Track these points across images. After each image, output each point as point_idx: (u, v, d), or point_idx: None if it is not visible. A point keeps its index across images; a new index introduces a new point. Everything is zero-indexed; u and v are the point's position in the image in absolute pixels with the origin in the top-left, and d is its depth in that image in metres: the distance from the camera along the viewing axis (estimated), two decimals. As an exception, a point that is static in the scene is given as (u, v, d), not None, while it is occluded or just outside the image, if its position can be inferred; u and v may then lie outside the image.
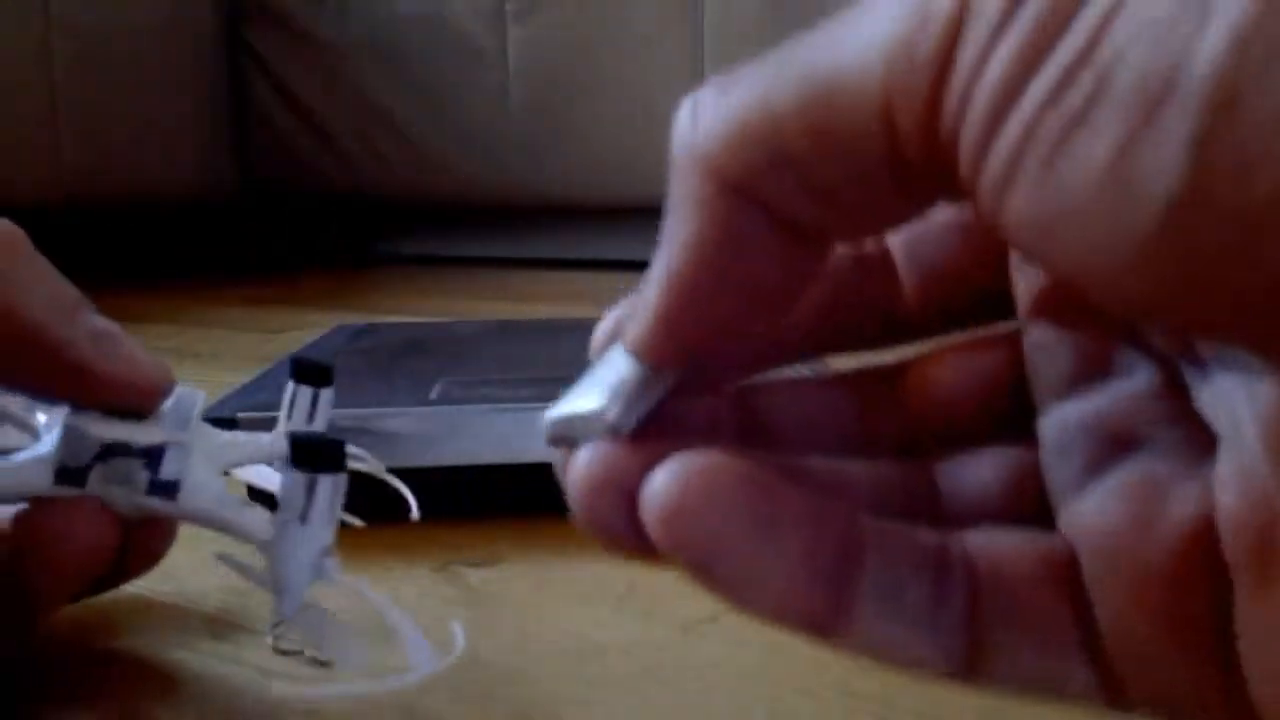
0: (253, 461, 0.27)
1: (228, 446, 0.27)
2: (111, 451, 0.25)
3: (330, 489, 0.25)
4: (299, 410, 0.29)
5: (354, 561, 0.36)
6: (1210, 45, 0.11)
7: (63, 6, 1.31)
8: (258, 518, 0.26)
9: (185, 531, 0.28)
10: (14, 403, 0.27)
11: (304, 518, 0.25)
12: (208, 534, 0.27)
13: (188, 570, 0.35)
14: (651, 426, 0.18)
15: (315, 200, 1.59)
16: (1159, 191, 0.12)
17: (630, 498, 0.16)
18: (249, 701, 0.28)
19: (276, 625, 0.32)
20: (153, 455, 0.25)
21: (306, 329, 0.87)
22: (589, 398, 0.17)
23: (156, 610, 0.33)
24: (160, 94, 1.46)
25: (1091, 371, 0.18)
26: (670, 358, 0.17)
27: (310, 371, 0.30)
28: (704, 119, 0.15)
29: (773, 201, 0.15)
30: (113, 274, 1.24)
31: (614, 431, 0.17)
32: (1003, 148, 0.13)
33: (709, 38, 1.34)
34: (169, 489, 0.25)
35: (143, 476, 0.25)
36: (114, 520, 0.25)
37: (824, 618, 0.16)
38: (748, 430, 0.19)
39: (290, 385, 0.30)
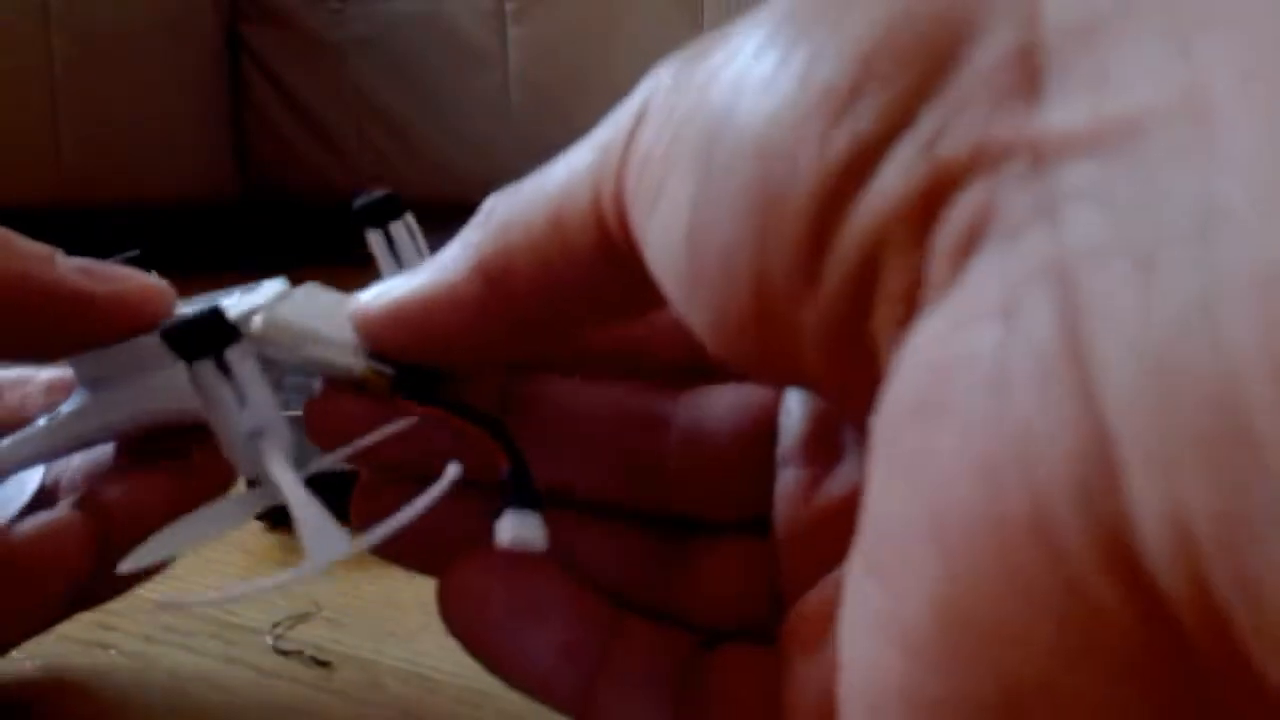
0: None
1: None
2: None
3: (232, 362, 0.21)
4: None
5: (352, 560, 0.36)
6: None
7: (63, 6, 1.31)
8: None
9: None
10: None
11: (214, 407, 0.21)
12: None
13: (188, 570, 0.35)
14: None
15: (315, 200, 1.59)
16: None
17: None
18: (248, 700, 0.28)
19: (276, 625, 0.32)
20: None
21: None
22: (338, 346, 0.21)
23: (155, 610, 0.33)
24: (160, 94, 1.46)
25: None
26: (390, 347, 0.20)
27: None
28: (494, 217, 0.18)
29: (517, 298, 0.18)
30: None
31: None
32: (655, 217, 0.15)
33: (709, 37, 1.34)
34: None
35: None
36: (90, 538, 0.24)
37: (572, 703, 0.20)
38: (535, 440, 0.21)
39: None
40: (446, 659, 0.29)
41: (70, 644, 0.31)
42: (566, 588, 0.20)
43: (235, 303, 0.23)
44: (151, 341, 0.24)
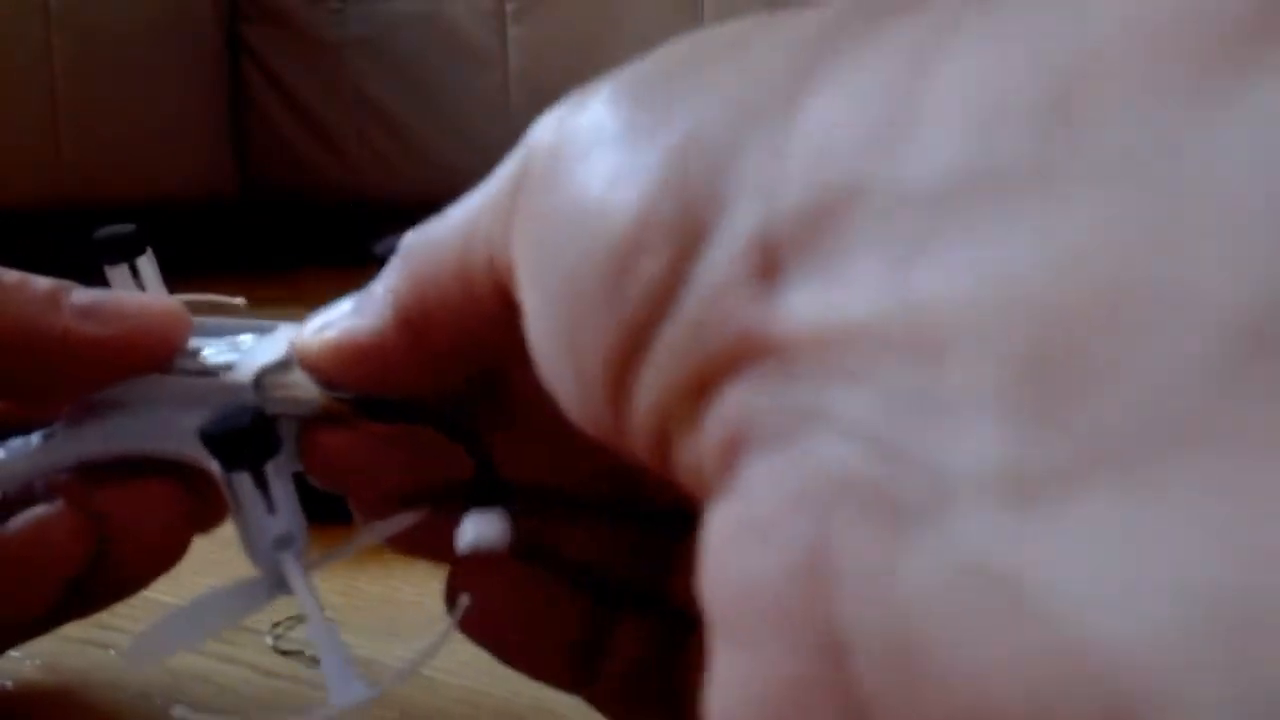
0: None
1: None
2: None
3: (269, 473, 0.21)
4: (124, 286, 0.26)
5: (353, 560, 0.36)
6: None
7: (63, 6, 1.31)
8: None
9: (197, 551, 0.28)
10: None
11: (243, 512, 0.22)
12: (205, 537, 0.26)
13: (188, 570, 0.35)
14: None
15: (315, 200, 1.59)
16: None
17: None
18: (248, 701, 0.28)
19: (276, 625, 0.32)
20: None
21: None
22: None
23: (156, 610, 0.33)
24: (160, 94, 1.46)
25: None
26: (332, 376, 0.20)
27: (112, 246, 0.25)
28: (409, 263, 0.19)
29: (439, 346, 0.18)
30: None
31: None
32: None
33: (709, 37, 1.34)
34: None
35: None
36: (82, 532, 0.24)
37: (575, 687, 0.21)
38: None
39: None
40: (446, 659, 0.29)
41: (70, 644, 0.31)
42: (562, 592, 0.21)
43: (241, 355, 0.23)
44: (160, 380, 0.23)
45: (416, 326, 0.18)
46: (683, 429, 0.12)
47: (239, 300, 0.27)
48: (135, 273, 0.26)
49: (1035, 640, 0.08)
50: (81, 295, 0.24)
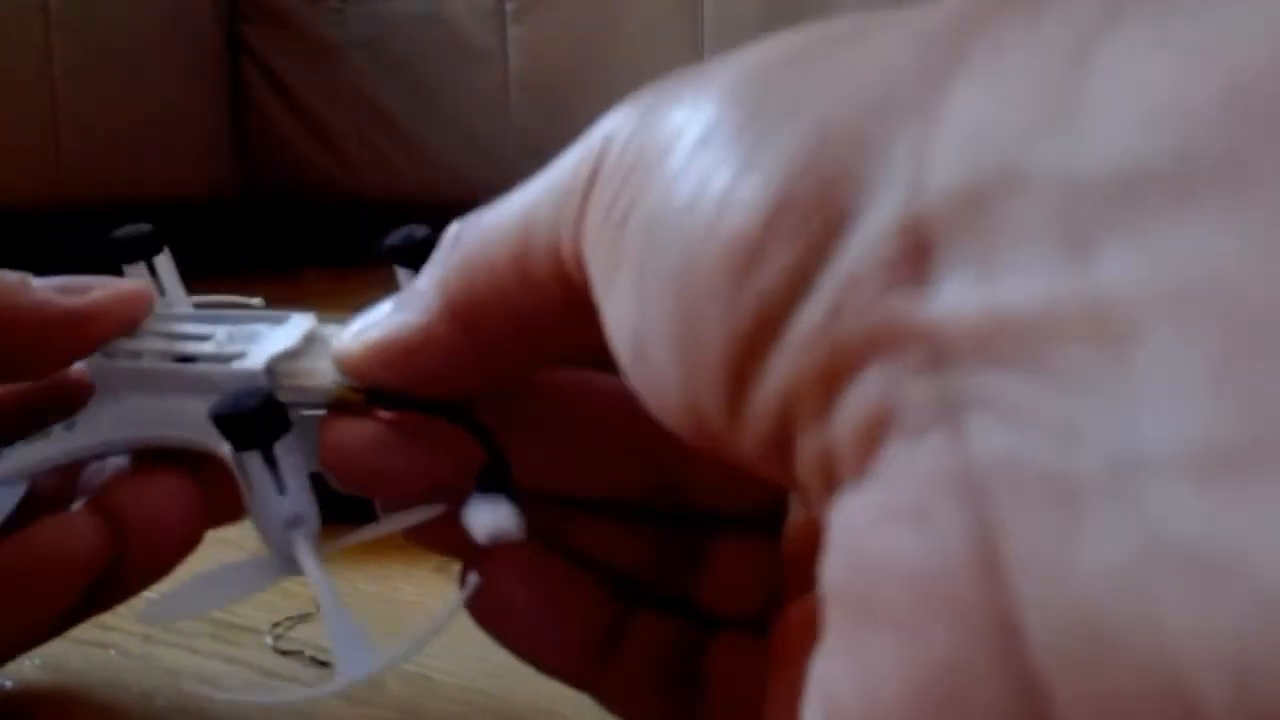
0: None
1: None
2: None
3: (278, 453, 0.22)
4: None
5: (353, 560, 0.36)
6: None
7: (63, 6, 1.31)
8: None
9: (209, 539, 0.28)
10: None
11: (254, 492, 0.22)
12: (207, 536, 0.26)
13: (188, 570, 0.35)
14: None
15: (315, 200, 1.59)
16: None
17: None
18: (249, 701, 0.28)
19: (276, 625, 0.32)
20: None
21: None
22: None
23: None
24: (160, 94, 1.46)
25: None
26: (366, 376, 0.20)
27: (131, 246, 0.26)
28: (459, 251, 0.18)
29: (489, 338, 0.18)
30: (112, 274, 1.24)
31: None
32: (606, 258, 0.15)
33: (709, 36, 1.34)
34: None
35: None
36: (101, 537, 0.24)
37: (588, 686, 0.21)
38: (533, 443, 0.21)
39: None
40: (446, 659, 0.29)
41: (70, 644, 0.31)
42: (580, 584, 0.21)
43: (253, 344, 0.23)
44: (174, 369, 0.24)
45: (467, 317, 0.18)
46: (810, 417, 0.12)
47: (257, 301, 0.27)
48: (153, 271, 0.26)
49: (1244, 612, 0.08)
50: (48, 280, 0.25)
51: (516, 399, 0.21)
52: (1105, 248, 0.09)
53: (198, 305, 0.27)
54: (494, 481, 0.20)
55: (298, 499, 0.22)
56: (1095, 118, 0.10)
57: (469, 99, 1.46)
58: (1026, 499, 0.09)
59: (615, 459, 0.21)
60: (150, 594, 0.25)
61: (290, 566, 0.22)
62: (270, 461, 0.21)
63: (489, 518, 0.19)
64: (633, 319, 0.14)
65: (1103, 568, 0.09)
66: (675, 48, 1.35)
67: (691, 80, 0.15)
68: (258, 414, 0.21)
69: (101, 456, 0.26)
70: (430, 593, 0.35)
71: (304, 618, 0.32)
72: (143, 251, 0.26)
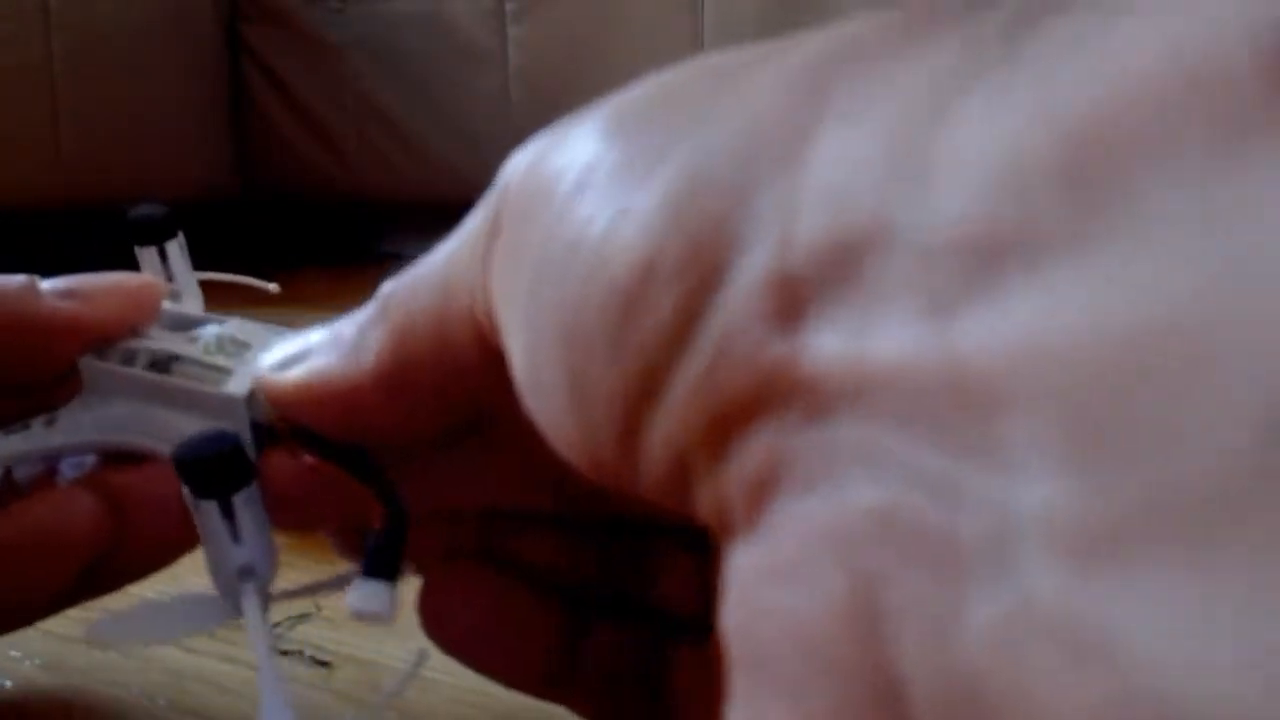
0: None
1: None
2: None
3: (236, 504, 0.21)
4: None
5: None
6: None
7: (63, 6, 1.31)
8: None
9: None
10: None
11: (208, 539, 0.22)
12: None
13: (188, 570, 0.35)
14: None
15: (315, 200, 1.59)
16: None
17: None
18: (248, 701, 0.28)
19: (276, 625, 0.32)
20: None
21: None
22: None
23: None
24: (160, 94, 1.46)
25: None
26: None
27: (146, 229, 0.26)
28: (389, 313, 0.18)
29: (417, 396, 0.19)
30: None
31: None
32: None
33: (709, 37, 1.34)
34: None
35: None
36: (100, 513, 0.24)
37: (553, 695, 0.21)
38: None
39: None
40: (446, 659, 0.29)
41: (70, 644, 0.31)
42: (529, 596, 0.21)
43: (245, 366, 0.23)
44: (160, 380, 0.24)
45: (394, 381, 0.18)
46: (702, 469, 0.12)
47: (273, 286, 0.27)
48: (164, 256, 0.26)
49: (1111, 692, 0.08)
50: (54, 282, 0.25)
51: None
52: (961, 310, 0.09)
53: (207, 284, 0.27)
54: (380, 564, 0.20)
55: (253, 550, 0.22)
56: (947, 178, 0.10)
57: (469, 99, 1.46)
58: (904, 555, 0.09)
59: (556, 474, 0.22)
60: (99, 614, 0.25)
61: (238, 611, 0.22)
62: (228, 513, 0.21)
63: (360, 600, 0.19)
64: (525, 359, 0.14)
65: (980, 632, 0.09)
66: (675, 48, 1.35)
67: (579, 120, 0.15)
68: (218, 464, 0.20)
69: (77, 455, 0.26)
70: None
71: (304, 618, 0.32)
72: (157, 236, 0.26)
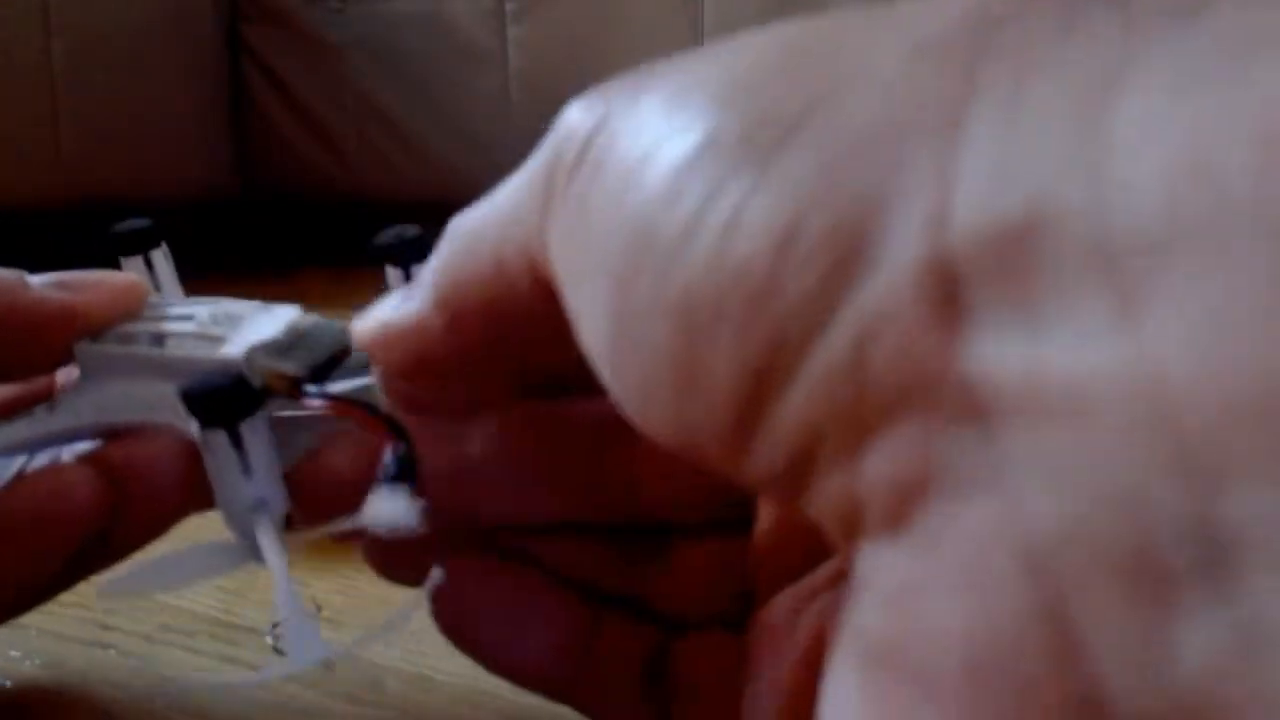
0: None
1: None
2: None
3: (244, 433, 0.21)
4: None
5: (351, 552, 0.36)
6: None
7: (62, 6, 1.31)
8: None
9: (183, 530, 0.28)
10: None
11: (219, 472, 0.22)
12: (206, 533, 0.26)
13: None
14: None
15: (315, 200, 1.59)
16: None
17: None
18: (248, 702, 0.28)
19: (276, 625, 0.32)
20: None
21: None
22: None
23: (156, 609, 0.33)
24: (160, 94, 1.46)
25: None
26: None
27: (129, 240, 0.26)
28: (450, 245, 0.18)
29: (474, 331, 0.18)
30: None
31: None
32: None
33: (709, 37, 1.34)
34: None
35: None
36: (98, 488, 0.24)
37: (561, 693, 0.21)
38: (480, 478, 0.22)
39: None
40: (446, 659, 0.29)
41: (70, 644, 0.31)
42: (547, 590, 0.21)
43: (240, 334, 0.23)
44: (156, 355, 0.24)
45: (453, 309, 0.18)
46: (834, 458, 0.11)
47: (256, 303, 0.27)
48: (150, 265, 0.26)
49: None
50: (43, 276, 0.25)
51: (470, 438, 0.21)
52: (1152, 308, 0.09)
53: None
54: (399, 474, 0.20)
55: (263, 483, 0.22)
56: (1125, 164, 0.09)
57: (469, 99, 1.46)
58: (1100, 573, 0.09)
59: (571, 486, 0.22)
60: (138, 628, 0.25)
61: (255, 552, 0.22)
62: (236, 442, 0.21)
63: (381, 510, 0.19)
64: (609, 335, 0.14)
65: (1200, 654, 0.08)
66: (675, 48, 1.35)
67: (663, 81, 0.14)
68: (225, 392, 0.21)
69: (82, 438, 0.26)
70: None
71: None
72: (141, 246, 0.27)
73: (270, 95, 1.58)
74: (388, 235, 0.24)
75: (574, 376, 0.21)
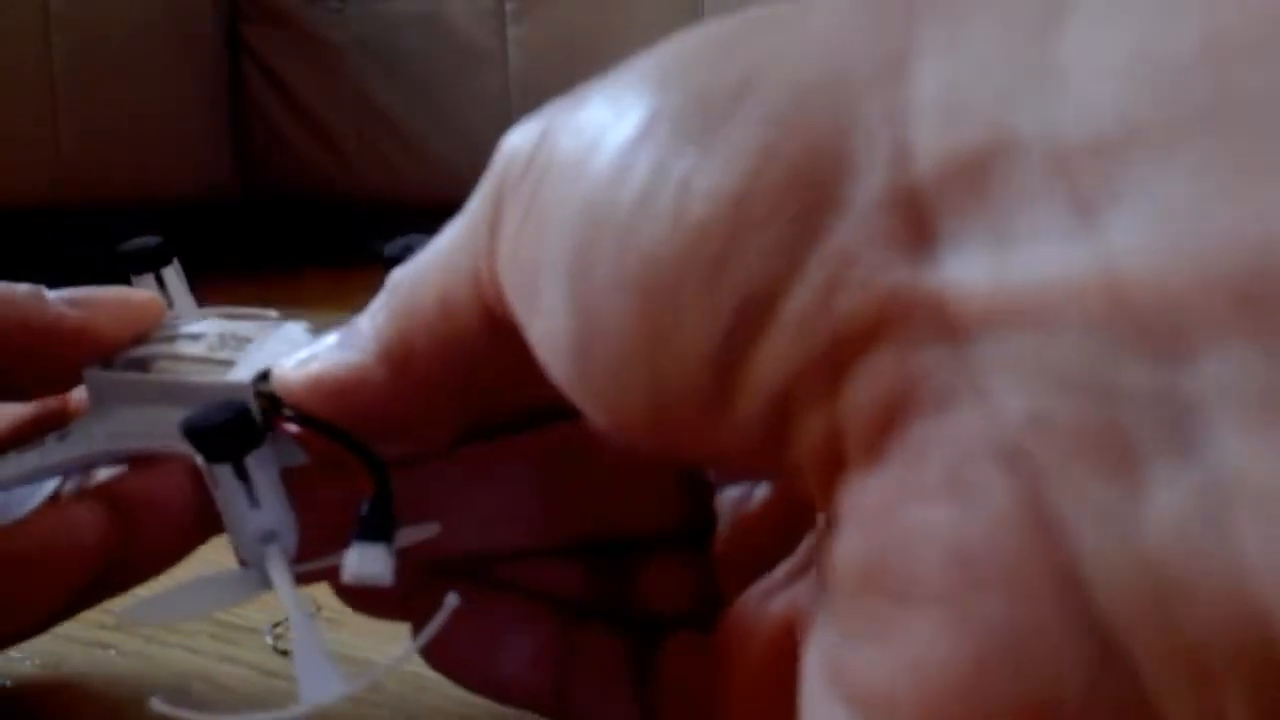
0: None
1: None
2: None
3: (250, 466, 0.21)
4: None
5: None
6: None
7: (62, 5, 1.31)
8: None
9: (203, 552, 0.28)
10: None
11: (227, 505, 0.22)
12: (227, 553, 0.26)
13: (188, 570, 0.35)
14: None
15: (315, 200, 1.59)
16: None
17: None
18: (248, 701, 0.28)
19: (276, 625, 0.32)
20: None
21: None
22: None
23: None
24: (160, 94, 1.46)
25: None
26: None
27: (140, 258, 0.26)
28: (394, 297, 0.18)
29: (422, 381, 0.18)
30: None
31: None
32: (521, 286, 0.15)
33: (709, 38, 1.34)
34: None
35: None
36: (105, 524, 0.24)
37: (547, 706, 0.21)
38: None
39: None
40: (446, 659, 0.29)
41: (70, 644, 0.31)
42: (525, 607, 0.22)
43: (249, 358, 0.23)
44: (164, 381, 0.24)
45: (399, 359, 0.18)
46: (812, 401, 0.11)
47: (272, 314, 0.27)
48: (161, 283, 0.26)
49: None
50: (60, 292, 0.25)
51: (438, 474, 0.21)
52: (1109, 209, 0.09)
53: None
54: (374, 526, 0.20)
55: (272, 513, 0.22)
56: (1072, 78, 0.10)
57: (469, 99, 1.46)
58: (1067, 455, 0.09)
59: (529, 518, 0.22)
60: (129, 598, 0.25)
61: (266, 581, 0.22)
62: (242, 475, 0.21)
63: (358, 565, 0.19)
64: (571, 327, 0.14)
65: (1169, 516, 0.09)
66: (675, 48, 1.35)
67: (599, 88, 0.14)
68: (227, 427, 0.21)
69: (94, 466, 0.26)
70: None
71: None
72: (151, 264, 0.27)
73: (270, 95, 1.58)
74: (397, 245, 0.24)
75: (516, 415, 0.21)
